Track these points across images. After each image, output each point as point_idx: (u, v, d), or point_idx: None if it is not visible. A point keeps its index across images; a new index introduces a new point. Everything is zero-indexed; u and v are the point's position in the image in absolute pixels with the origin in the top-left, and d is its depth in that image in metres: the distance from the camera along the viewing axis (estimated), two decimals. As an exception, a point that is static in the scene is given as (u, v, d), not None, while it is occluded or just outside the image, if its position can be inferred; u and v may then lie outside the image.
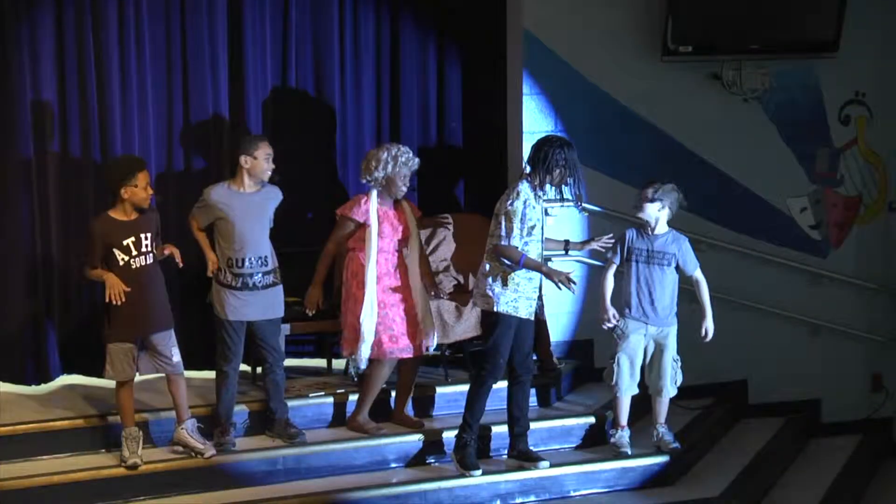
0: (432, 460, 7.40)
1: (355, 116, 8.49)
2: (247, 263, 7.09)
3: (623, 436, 7.50)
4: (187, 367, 7.13)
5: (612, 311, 7.37)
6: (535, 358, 7.68)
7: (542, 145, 7.05)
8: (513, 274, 6.99)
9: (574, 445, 7.72)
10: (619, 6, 8.50)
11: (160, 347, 6.91)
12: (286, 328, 7.70)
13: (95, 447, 7.11)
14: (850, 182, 9.25)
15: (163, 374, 7.05)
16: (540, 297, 7.28)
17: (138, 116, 7.88)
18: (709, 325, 7.38)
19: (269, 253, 7.19)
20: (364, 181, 7.35)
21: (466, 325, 7.91)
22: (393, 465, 7.35)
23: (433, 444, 7.41)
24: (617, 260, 7.42)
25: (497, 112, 8.66)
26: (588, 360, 8.58)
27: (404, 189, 7.34)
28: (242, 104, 8.13)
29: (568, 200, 7.29)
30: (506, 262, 6.98)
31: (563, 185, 7.08)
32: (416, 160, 7.36)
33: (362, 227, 7.29)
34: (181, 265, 6.95)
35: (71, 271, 7.81)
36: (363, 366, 7.33)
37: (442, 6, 8.61)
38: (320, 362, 8.33)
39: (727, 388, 8.90)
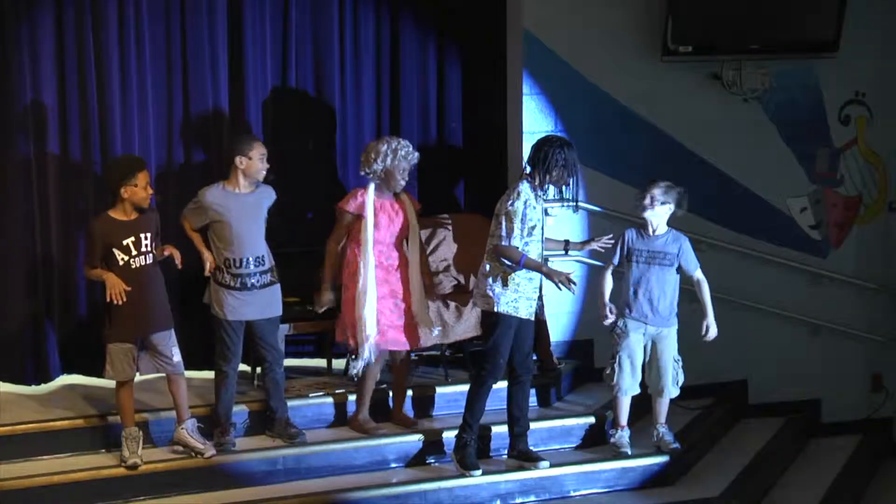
0: (432, 460, 7.40)
1: (355, 116, 8.49)
2: (245, 263, 7.09)
3: (623, 436, 7.50)
4: (187, 367, 7.13)
5: (609, 307, 7.37)
6: (535, 358, 7.68)
7: (542, 145, 7.05)
8: (513, 274, 6.99)
9: (574, 445, 7.72)
10: (619, 6, 8.50)
11: (160, 347, 6.91)
12: (286, 328, 7.70)
13: (95, 447, 7.12)
14: (850, 182, 9.25)
15: (163, 374, 7.05)
16: (540, 298, 7.28)
17: (138, 116, 7.88)
18: (711, 324, 7.38)
19: (265, 252, 7.19)
20: (363, 173, 7.35)
21: (466, 325, 7.91)
22: (393, 465, 7.35)
23: (433, 444, 7.41)
24: (616, 260, 7.42)
25: (497, 112, 8.66)
26: (588, 360, 8.58)
27: (403, 183, 7.34)
28: (242, 104, 8.13)
29: (567, 200, 7.27)
30: (506, 262, 6.98)
31: (563, 186, 7.07)
32: (416, 154, 7.36)
33: (360, 219, 7.28)
34: (181, 266, 6.95)
35: (71, 271, 7.82)
36: (361, 364, 7.30)
37: (442, 6, 8.61)
38: (320, 362, 8.33)
39: (727, 388, 8.90)
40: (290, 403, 7.42)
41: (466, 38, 8.68)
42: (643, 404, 7.63)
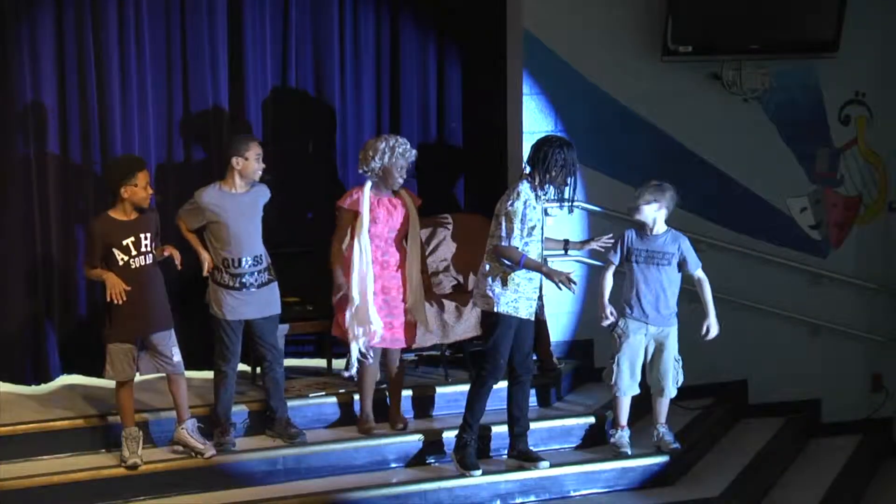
0: (432, 460, 7.40)
1: (355, 116, 8.49)
2: (243, 263, 7.09)
3: (623, 436, 7.50)
4: (187, 367, 7.13)
5: (609, 308, 7.37)
6: (535, 358, 7.68)
7: (542, 145, 7.05)
8: (513, 274, 6.99)
9: (574, 445, 7.72)
10: (619, 6, 8.50)
11: (160, 347, 6.91)
12: (285, 328, 7.69)
13: (95, 447, 7.12)
14: (850, 182, 9.25)
15: (163, 374, 7.05)
16: (540, 298, 7.28)
17: (138, 116, 7.88)
18: (712, 324, 7.37)
19: (262, 251, 7.19)
20: (361, 171, 7.35)
21: (466, 325, 7.91)
22: (393, 465, 7.35)
23: (433, 444, 7.41)
24: (616, 260, 7.42)
25: (497, 112, 8.66)
26: (588, 360, 8.58)
27: (400, 181, 7.33)
28: (242, 104, 8.13)
29: (564, 201, 7.25)
30: (506, 262, 6.98)
31: (563, 186, 7.07)
32: (414, 152, 7.36)
33: (358, 216, 7.28)
34: (180, 267, 6.95)
35: (71, 271, 7.82)
36: (354, 364, 7.31)
37: (442, 6, 8.61)
38: (320, 362, 8.32)
39: (727, 388, 8.90)
40: (290, 403, 7.42)
41: (466, 38, 8.68)
42: (643, 404, 7.63)
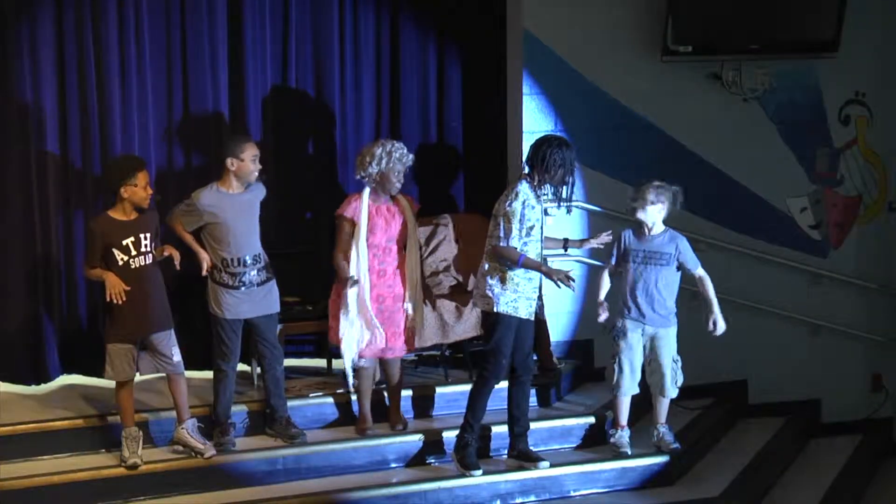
0: (432, 460, 7.40)
1: (355, 116, 8.48)
2: (243, 262, 7.09)
3: (623, 436, 7.50)
4: (187, 367, 7.14)
5: (604, 305, 7.37)
6: (535, 358, 7.68)
7: (540, 145, 7.05)
8: (512, 274, 6.99)
9: (574, 445, 7.72)
10: (619, 6, 8.50)
11: (160, 347, 6.91)
12: (279, 327, 7.67)
13: (95, 447, 7.12)
14: (850, 182, 9.25)
15: (163, 374, 7.06)
16: (540, 297, 7.28)
17: (138, 116, 7.88)
18: (718, 319, 7.34)
19: (260, 249, 7.19)
20: (358, 177, 7.33)
21: (466, 325, 7.91)
22: (393, 465, 7.35)
23: (433, 444, 7.41)
24: (614, 260, 7.43)
25: (497, 112, 8.66)
26: (588, 360, 8.58)
27: (398, 185, 7.31)
28: (242, 104, 8.13)
29: (563, 200, 7.24)
30: (505, 262, 6.98)
31: (562, 185, 7.07)
32: (411, 156, 7.34)
33: (356, 226, 7.25)
34: (179, 267, 6.94)
35: (71, 271, 7.82)
36: (349, 372, 7.32)
37: (442, 6, 8.60)
38: (320, 362, 8.32)
39: (727, 388, 8.90)
40: (290, 403, 7.42)
41: (466, 38, 8.68)
42: (643, 404, 7.63)
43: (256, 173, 7.14)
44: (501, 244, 6.95)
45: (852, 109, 9.15)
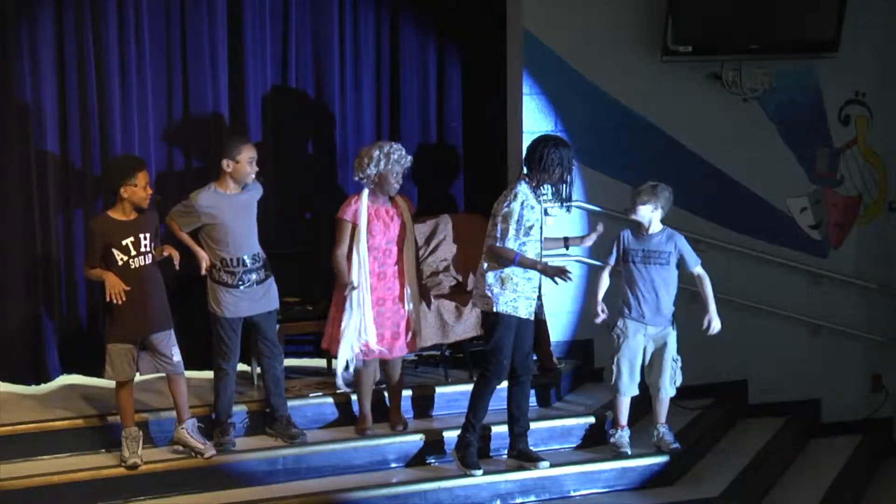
0: (432, 460, 7.40)
1: (355, 116, 8.48)
2: (242, 262, 7.09)
3: (623, 436, 7.50)
4: (187, 367, 7.13)
5: (601, 306, 7.37)
6: (535, 358, 7.68)
7: (538, 145, 7.05)
8: (511, 274, 6.99)
9: (574, 445, 7.72)
10: (619, 6, 8.50)
11: (160, 347, 6.91)
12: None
13: (95, 447, 7.12)
14: (850, 182, 9.25)
15: (163, 374, 7.06)
16: (539, 297, 7.28)
17: (138, 116, 7.88)
18: (713, 318, 7.35)
19: (259, 249, 7.19)
20: (356, 179, 7.33)
21: (466, 325, 7.91)
22: (393, 465, 7.35)
23: (433, 444, 7.41)
24: (612, 260, 7.43)
25: (497, 112, 8.66)
26: (588, 360, 8.58)
27: (397, 186, 7.30)
28: (242, 104, 8.13)
29: (562, 200, 7.23)
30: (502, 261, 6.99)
31: (560, 184, 7.07)
32: (409, 158, 7.33)
33: (356, 228, 7.24)
34: (179, 268, 6.94)
35: (71, 271, 7.82)
36: (340, 377, 7.32)
37: (442, 6, 8.60)
38: (320, 362, 8.32)
39: (727, 388, 8.89)
40: (290, 403, 7.42)
41: (466, 38, 8.68)
42: (643, 404, 7.63)
43: (252, 175, 7.13)
44: (497, 244, 6.95)
45: (852, 109, 9.15)
